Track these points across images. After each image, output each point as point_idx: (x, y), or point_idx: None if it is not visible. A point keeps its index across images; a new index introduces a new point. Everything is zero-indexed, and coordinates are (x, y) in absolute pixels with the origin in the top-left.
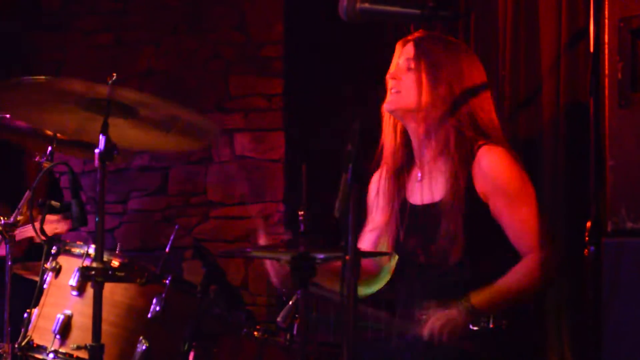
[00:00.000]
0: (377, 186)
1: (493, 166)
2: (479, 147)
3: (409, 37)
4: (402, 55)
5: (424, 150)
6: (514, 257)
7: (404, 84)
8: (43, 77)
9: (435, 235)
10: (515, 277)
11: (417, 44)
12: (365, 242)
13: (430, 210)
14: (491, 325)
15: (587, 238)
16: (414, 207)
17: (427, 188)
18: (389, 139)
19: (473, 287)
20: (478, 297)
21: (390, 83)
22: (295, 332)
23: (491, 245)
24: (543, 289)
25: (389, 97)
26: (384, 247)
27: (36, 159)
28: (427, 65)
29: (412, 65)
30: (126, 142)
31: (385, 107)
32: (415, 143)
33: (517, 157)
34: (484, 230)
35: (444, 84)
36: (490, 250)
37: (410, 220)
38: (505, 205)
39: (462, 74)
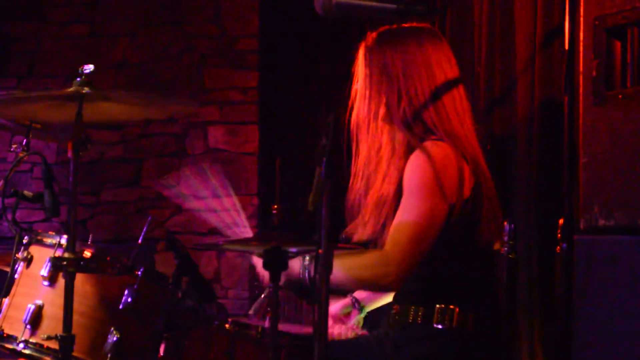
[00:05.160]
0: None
1: (410, 160)
2: (419, 145)
3: (364, 41)
4: (360, 61)
5: (388, 151)
6: (472, 255)
7: (360, 94)
8: (16, 92)
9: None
10: (359, 261)
11: (367, 49)
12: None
13: (367, 209)
14: (454, 324)
15: (559, 235)
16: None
17: (378, 190)
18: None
19: (435, 285)
20: None
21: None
22: (266, 325)
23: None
24: (379, 288)
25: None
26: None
27: (12, 149)
28: (373, 71)
29: (364, 73)
30: (103, 116)
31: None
32: (379, 146)
33: (464, 154)
34: None
35: (396, 86)
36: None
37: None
38: (403, 198)
39: (415, 69)
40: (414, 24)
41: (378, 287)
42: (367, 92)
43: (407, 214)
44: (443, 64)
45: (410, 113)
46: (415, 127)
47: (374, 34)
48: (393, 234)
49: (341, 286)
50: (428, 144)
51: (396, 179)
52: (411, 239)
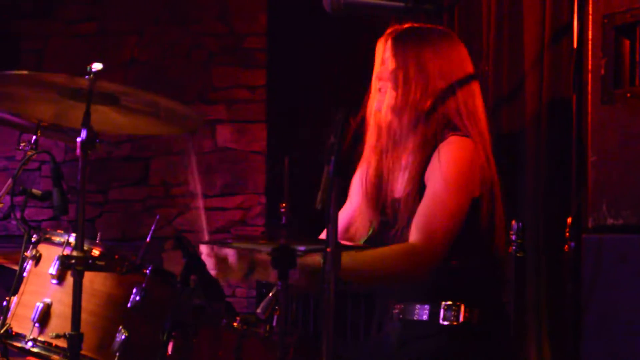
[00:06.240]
0: (362, 179)
1: (443, 153)
2: (445, 139)
3: (389, 32)
4: (384, 52)
5: (404, 144)
6: (478, 252)
7: (387, 83)
8: (25, 71)
9: (395, 230)
10: (386, 253)
11: (397, 41)
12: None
13: (396, 204)
14: (461, 320)
15: (567, 234)
16: (389, 199)
17: (400, 182)
18: (373, 138)
19: (441, 282)
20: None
21: (376, 83)
22: (274, 323)
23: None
24: (411, 280)
25: (376, 97)
26: (358, 229)
27: (20, 147)
28: (409, 63)
29: (394, 63)
30: (109, 126)
31: (375, 106)
32: (398, 137)
33: (483, 151)
34: None
35: (425, 81)
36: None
37: (384, 211)
38: (429, 186)
39: (444, 68)
40: (438, 26)
41: (410, 279)
42: (394, 85)
43: (440, 206)
44: (469, 65)
45: (438, 108)
46: (440, 122)
47: (402, 29)
48: (424, 225)
49: (367, 281)
50: (455, 138)
51: (415, 173)
52: (444, 231)
